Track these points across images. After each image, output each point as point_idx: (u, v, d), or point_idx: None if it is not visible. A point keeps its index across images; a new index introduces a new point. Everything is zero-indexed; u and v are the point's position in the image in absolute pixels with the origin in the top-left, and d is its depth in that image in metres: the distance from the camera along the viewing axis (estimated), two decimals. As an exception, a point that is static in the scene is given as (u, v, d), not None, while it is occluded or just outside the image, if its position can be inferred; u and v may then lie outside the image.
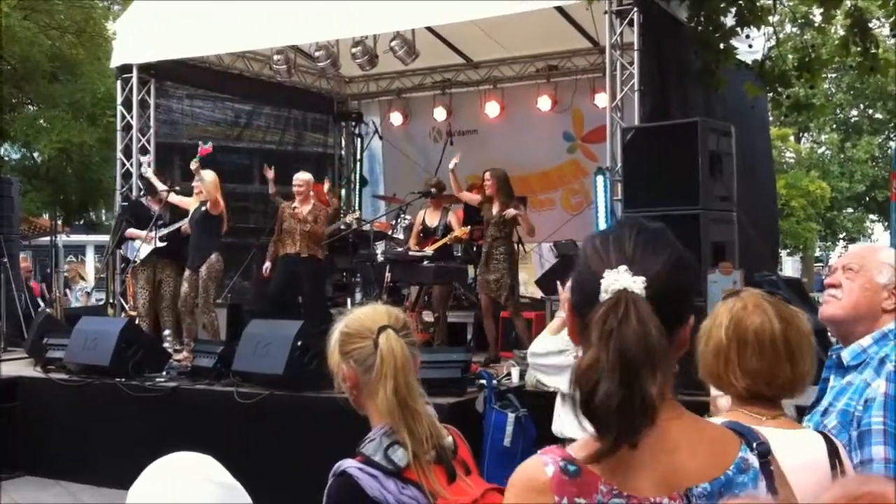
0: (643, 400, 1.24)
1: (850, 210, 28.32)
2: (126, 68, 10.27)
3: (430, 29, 10.25)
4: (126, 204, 9.78)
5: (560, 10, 9.49)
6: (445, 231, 8.80)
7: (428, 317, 8.67)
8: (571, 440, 4.28)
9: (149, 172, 9.28)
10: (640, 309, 1.27)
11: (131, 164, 10.17)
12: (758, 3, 7.82)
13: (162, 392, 6.93)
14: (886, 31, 10.22)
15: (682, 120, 7.21)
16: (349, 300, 9.79)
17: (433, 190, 9.05)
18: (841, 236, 29.17)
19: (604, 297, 1.29)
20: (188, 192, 8.84)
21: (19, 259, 10.82)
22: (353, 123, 13.11)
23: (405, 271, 8.77)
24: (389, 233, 10.29)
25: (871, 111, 27.50)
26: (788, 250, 26.40)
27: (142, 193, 9.54)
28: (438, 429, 2.04)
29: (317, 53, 10.20)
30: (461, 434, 2.12)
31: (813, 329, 2.03)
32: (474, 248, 9.55)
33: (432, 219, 8.99)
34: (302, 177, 8.73)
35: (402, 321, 2.08)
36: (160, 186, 8.97)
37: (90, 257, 32.30)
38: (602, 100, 9.10)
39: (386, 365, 1.98)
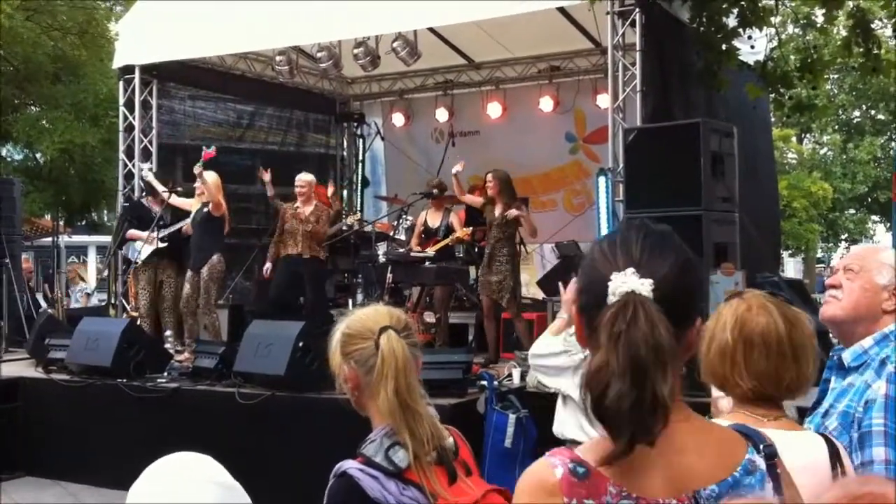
0: (655, 400, 1.25)
1: (852, 211, 28.30)
2: (128, 69, 10.29)
3: (432, 30, 10.26)
4: (128, 205, 9.79)
5: (562, 10, 9.48)
6: (447, 232, 8.81)
7: (429, 318, 8.67)
8: (573, 441, 4.29)
9: (149, 176, 9.29)
10: (649, 310, 1.28)
11: (133, 165, 10.18)
12: (760, 4, 7.81)
13: (163, 393, 6.93)
14: (889, 31, 10.22)
15: (684, 121, 7.20)
16: (351, 301, 9.80)
17: (435, 191, 9.06)
18: (843, 237, 29.14)
19: (611, 299, 1.30)
20: (190, 193, 8.85)
21: (21, 260, 10.83)
22: (356, 124, 13.11)
23: (407, 272, 8.77)
24: (391, 234, 10.29)
25: (873, 112, 27.48)
26: (790, 251, 26.38)
27: (143, 194, 9.55)
28: (439, 430, 2.04)
29: (319, 54, 10.21)
30: (462, 435, 2.12)
31: (814, 330, 2.03)
32: (476, 249, 9.56)
33: (434, 220, 9.00)
34: (304, 178, 8.74)
35: (403, 322, 2.08)
36: (161, 189, 8.97)
37: (92, 258, 32.31)
38: (604, 100, 9.10)
39: (387, 366, 1.98)
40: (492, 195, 8.02)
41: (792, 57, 8.70)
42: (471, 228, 8.86)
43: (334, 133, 13.27)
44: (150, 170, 9.63)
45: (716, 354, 1.98)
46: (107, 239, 15.08)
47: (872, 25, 8.38)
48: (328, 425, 5.62)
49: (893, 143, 27.03)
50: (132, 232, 9.10)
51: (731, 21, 7.67)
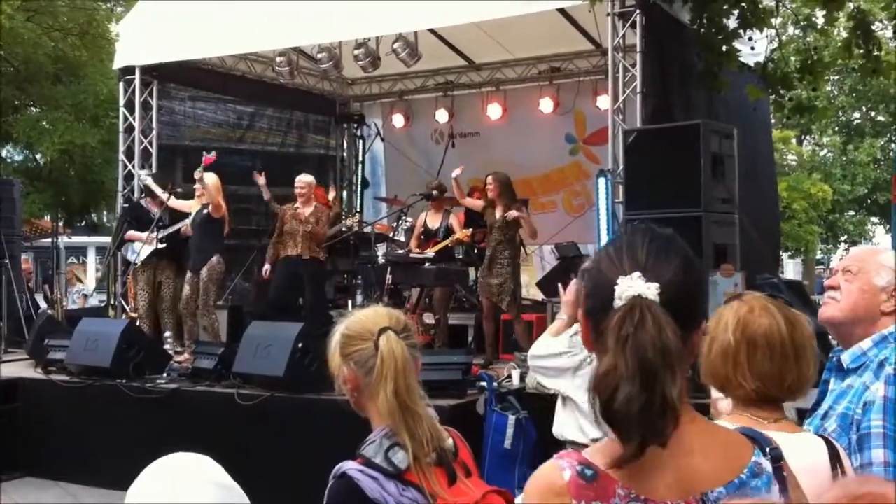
0: (665, 402, 1.27)
1: (851, 213, 28.30)
2: (129, 70, 10.30)
3: (432, 31, 10.26)
4: (127, 206, 9.79)
5: (562, 11, 9.49)
6: (447, 233, 8.81)
7: (429, 319, 8.67)
8: (572, 442, 4.27)
9: (148, 181, 9.28)
10: (656, 314, 1.29)
11: (133, 166, 10.19)
12: (760, 6, 7.81)
13: (162, 393, 6.93)
14: (889, 33, 10.23)
15: (684, 122, 7.21)
16: (350, 302, 9.79)
17: (434, 192, 9.06)
18: (842, 239, 29.13)
19: (618, 303, 1.32)
20: (190, 195, 8.85)
21: (21, 260, 10.83)
22: (356, 125, 13.12)
23: (406, 273, 8.77)
24: (391, 235, 10.29)
25: (873, 114, 27.48)
26: (790, 253, 26.37)
27: (143, 195, 9.55)
28: (439, 431, 2.04)
29: (319, 55, 10.21)
30: (461, 436, 2.12)
31: (814, 331, 2.04)
32: (475, 251, 9.56)
33: (433, 221, 9.00)
34: (304, 179, 8.74)
35: (402, 323, 2.08)
36: (160, 193, 8.97)
37: (91, 259, 32.36)
38: (604, 102, 9.10)
39: (386, 367, 1.98)
40: (492, 197, 8.02)
41: (792, 58, 8.70)
42: (470, 230, 8.86)
43: (334, 134, 13.28)
44: (149, 174, 9.62)
45: (718, 356, 1.98)
46: (106, 240, 15.08)
47: (873, 27, 8.39)
48: (327, 426, 5.62)
49: (893, 145, 27.03)
50: (131, 233, 9.10)
51: (732, 22, 7.67)
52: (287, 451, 6.22)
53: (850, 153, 26.62)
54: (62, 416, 7.33)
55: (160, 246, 8.74)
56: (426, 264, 8.55)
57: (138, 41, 10.12)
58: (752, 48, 8.07)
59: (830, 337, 2.55)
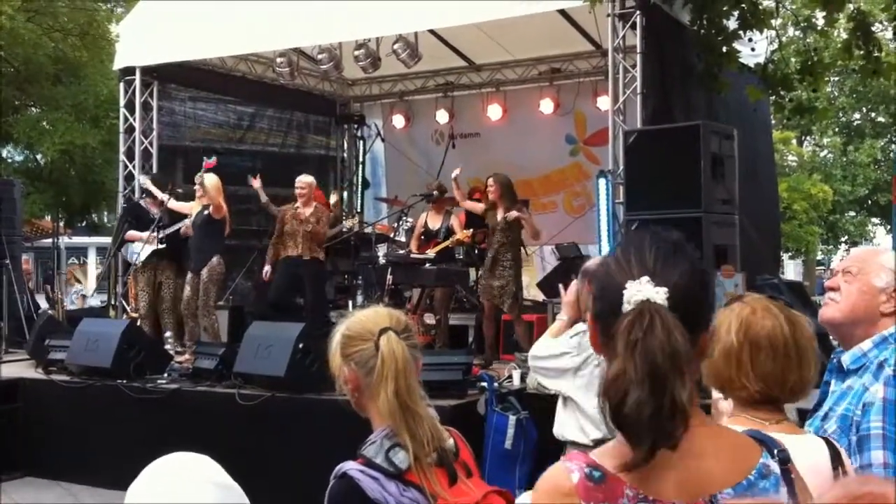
0: (675, 406, 1.28)
1: (852, 213, 28.29)
2: (129, 70, 10.30)
3: (432, 31, 10.27)
4: (127, 206, 9.80)
5: (563, 12, 9.49)
6: (447, 234, 8.81)
7: (429, 319, 8.67)
8: (573, 443, 4.27)
9: (148, 184, 9.28)
10: (665, 318, 1.30)
11: (134, 167, 10.20)
12: (760, 7, 7.82)
13: (163, 394, 6.93)
14: (889, 34, 10.24)
15: (684, 123, 7.21)
16: (351, 302, 9.79)
17: (435, 192, 9.06)
18: (843, 240, 29.14)
19: (626, 307, 1.33)
20: (190, 195, 8.86)
21: (21, 261, 10.83)
22: (356, 126, 13.12)
23: (407, 274, 8.77)
24: (391, 235, 10.29)
25: (873, 114, 27.47)
26: (790, 253, 26.37)
27: (143, 195, 9.55)
28: (440, 431, 2.04)
29: (319, 56, 10.22)
30: (462, 436, 2.12)
31: (814, 332, 2.04)
32: (476, 251, 9.56)
33: (434, 222, 9.01)
34: (304, 179, 8.73)
35: (403, 323, 2.08)
36: (160, 195, 8.97)
37: (92, 259, 32.36)
38: (604, 103, 9.10)
39: (387, 367, 1.98)
40: (493, 199, 8.01)
41: (792, 59, 8.71)
42: (471, 230, 8.86)
43: (334, 135, 13.28)
44: (148, 176, 9.62)
45: (720, 357, 1.99)
46: (107, 240, 15.09)
47: (873, 28, 8.39)
48: (328, 426, 5.62)
49: (894, 146, 27.02)
50: (131, 233, 9.11)
51: (732, 23, 7.67)
52: (288, 452, 6.22)
53: (851, 154, 26.62)
54: (63, 416, 7.33)
55: (160, 246, 8.75)
56: (427, 265, 8.55)
57: (138, 42, 10.13)
58: (753, 49, 8.07)
59: (831, 338, 2.55)
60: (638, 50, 7.52)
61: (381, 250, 9.86)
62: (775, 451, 1.43)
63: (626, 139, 7.22)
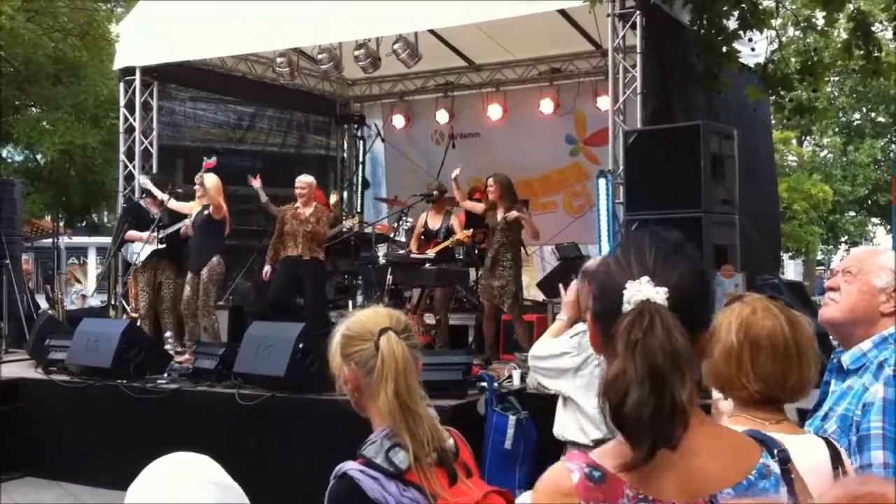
0: (674, 406, 1.28)
1: (852, 213, 28.30)
2: (129, 70, 10.30)
3: (432, 31, 10.26)
4: (127, 206, 9.80)
5: (563, 12, 9.49)
6: (447, 234, 8.81)
7: (429, 319, 8.67)
8: (574, 443, 4.26)
9: (148, 185, 9.28)
10: (665, 318, 1.30)
11: (134, 167, 10.19)
12: (760, 7, 7.82)
13: (163, 394, 6.93)
14: (889, 34, 10.25)
15: (684, 123, 7.21)
16: (351, 302, 9.79)
17: (435, 192, 9.06)
18: (843, 240, 29.14)
19: (626, 307, 1.33)
20: (190, 195, 8.85)
21: (21, 261, 10.83)
22: (356, 126, 13.12)
23: (407, 274, 8.77)
24: (391, 235, 10.29)
25: (873, 114, 27.48)
26: (790, 253, 26.37)
27: (143, 196, 9.56)
28: (440, 431, 2.04)
29: (320, 56, 10.21)
30: (462, 436, 2.12)
31: (814, 332, 2.04)
32: (476, 251, 9.56)
33: (434, 222, 9.01)
34: (304, 179, 8.73)
35: (403, 323, 2.08)
36: (160, 195, 8.98)
37: (92, 259, 32.36)
38: (604, 103, 9.11)
39: (387, 367, 1.98)
40: (493, 199, 8.02)
41: (792, 59, 8.71)
42: (471, 230, 8.86)
43: (335, 135, 13.28)
44: (147, 177, 9.61)
45: (720, 357, 1.99)
46: (107, 240, 15.09)
47: (873, 28, 8.39)
48: (328, 426, 5.62)
49: (894, 146, 27.03)
50: (131, 233, 9.11)
51: (732, 23, 7.67)
52: (288, 452, 6.22)
53: (851, 154, 26.62)
54: (63, 416, 7.33)
55: (160, 246, 8.75)
56: (427, 265, 8.55)
57: (138, 42, 10.13)
58: (753, 49, 8.07)
59: (831, 338, 2.55)
60: (638, 50, 7.51)
61: (381, 250, 9.86)
62: (775, 452, 1.43)
63: (626, 139, 7.22)
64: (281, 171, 10.73)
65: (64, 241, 22.82)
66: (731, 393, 2.03)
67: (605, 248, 7.52)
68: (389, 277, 8.67)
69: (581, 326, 3.99)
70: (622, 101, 7.64)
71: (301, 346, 6.36)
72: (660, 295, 1.32)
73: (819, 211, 24.80)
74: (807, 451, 1.89)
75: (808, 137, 28.82)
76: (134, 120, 10.24)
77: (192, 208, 8.68)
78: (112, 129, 13.63)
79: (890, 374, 2.09)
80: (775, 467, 1.41)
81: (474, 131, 12.14)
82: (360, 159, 13.11)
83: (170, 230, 8.80)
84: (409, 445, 1.95)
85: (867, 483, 0.97)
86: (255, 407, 6.40)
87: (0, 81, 14.11)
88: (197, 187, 8.46)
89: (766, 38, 8.50)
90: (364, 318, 2.08)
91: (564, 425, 4.09)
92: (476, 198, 9.34)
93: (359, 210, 12.79)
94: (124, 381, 7.07)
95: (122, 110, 10.44)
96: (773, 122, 12.43)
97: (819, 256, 29.98)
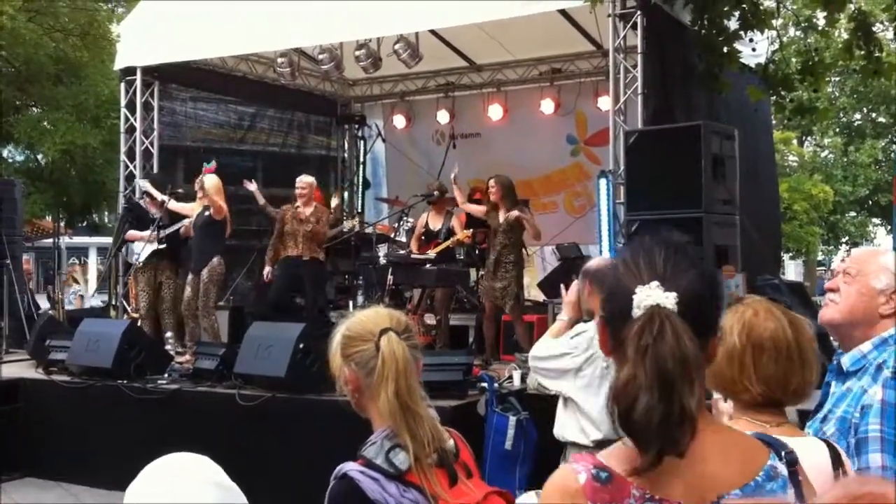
0: (683, 413, 1.29)
1: (852, 214, 28.29)
2: (130, 70, 10.30)
3: (433, 32, 10.26)
4: (128, 206, 9.79)
5: (563, 13, 9.49)
6: (448, 234, 8.81)
7: (430, 320, 8.67)
8: (574, 444, 4.26)
9: (147, 187, 9.27)
10: (675, 324, 1.31)
11: (135, 167, 10.20)
12: (761, 7, 7.82)
13: (163, 394, 6.93)
14: (890, 34, 10.25)
15: (685, 123, 7.21)
16: (351, 303, 9.78)
17: (435, 193, 9.06)
18: (843, 240, 29.13)
19: (636, 312, 1.34)
20: (191, 196, 8.85)
21: (22, 261, 10.84)
22: (357, 126, 13.12)
23: (407, 274, 8.77)
24: (392, 236, 10.29)
25: (874, 115, 27.48)
26: (791, 254, 26.37)
27: (143, 196, 9.55)
28: (440, 432, 2.04)
29: (320, 56, 10.21)
30: (462, 437, 2.12)
31: (815, 334, 2.04)
32: (476, 252, 9.56)
33: (435, 222, 9.01)
34: (305, 179, 8.73)
35: (403, 324, 2.08)
36: (159, 197, 8.98)
37: (93, 259, 32.39)
38: (605, 103, 9.11)
39: (387, 368, 1.98)
40: (494, 201, 8.01)
41: (793, 59, 8.72)
42: (471, 230, 8.86)
43: (335, 135, 13.28)
44: (146, 179, 9.61)
45: (723, 359, 1.98)
46: (108, 240, 15.10)
47: (874, 28, 8.39)
48: (328, 427, 5.62)
49: (894, 146, 27.02)
50: (131, 233, 9.12)
51: (733, 24, 7.67)
52: (288, 452, 6.22)
53: (851, 154, 26.62)
54: (63, 416, 7.33)
55: (160, 246, 8.75)
56: (427, 265, 8.55)
57: (139, 42, 10.13)
58: (753, 49, 8.07)
59: (832, 338, 2.55)
60: (639, 50, 7.51)
61: (382, 251, 9.86)
62: (783, 454, 1.43)
63: (626, 139, 7.21)
64: (282, 171, 10.74)
65: (64, 241, 22.82)
66: (732, 396, 2.03)
67: (606, 249, 7.51)
68: (390, 278, 8.67)
69: (581, 327, 3.99)
70: (623, 102, 7.64)
71: (301, 346, 6.36)
72: (669, 300, 1.33)
73: (820, 211, 24.80)
74: (807, 454, 1.89)
75: (808, 138, 28.82)
76: (135, 120, 10.24)
77: (193, 209, 8.68)
78: (113, 129, 13.62)
79: (888, 377, 2.08)
80: (783, 469, 1.41)
81: (475, 131, 12.14)
82: (361, 159, 13.11)
83: (170, 230, 8.80)
84: (409, 446, 1.95)
85: (867, 483, 0.97)
86: (255, 407, 6.40)
87: (1, 81, 14.12)
88: (197, 187, 8.47)
89: (767, 38, 8.51)
90: (364, 319, 2.08)
91: (565, 426, 4.09)
92: (477, 198, 9.34)
93: (359, 210, 12.78)
94: (125, 382, 7.07)
95: (123, 110, 10.44)
96: (773, 122, 12.43)
97: (819, 257, 29.97)
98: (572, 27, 10.08)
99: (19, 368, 8.09)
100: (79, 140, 14.76)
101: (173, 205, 8.89)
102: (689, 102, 7.89)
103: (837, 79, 24.75)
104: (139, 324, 8.48)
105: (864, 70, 8.06)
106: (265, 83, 11.57)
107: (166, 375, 7.28)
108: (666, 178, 6.72)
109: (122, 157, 10.42)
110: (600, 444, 3.53)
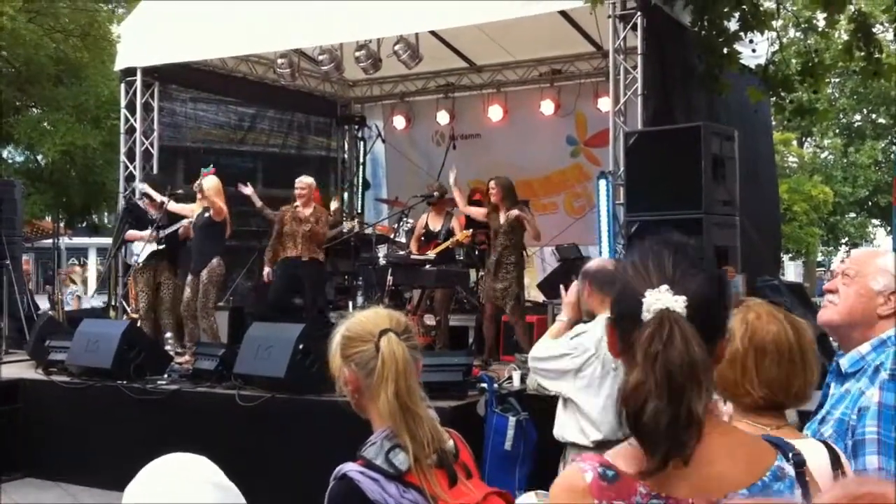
0: (690, 417, 1.30)
1: (852, 215, 28.30)
2: (130, 71, 10.31)
3: (433, 33, 10.26)
4: (127, 207, 9.79)
5: (563, 14, 9.50)
6: (448, 235, 8.81)
7: (429, 320, 8.67)
8: (574, 444, 4.26)
9: (146, 189, 9.27)
10: (684, 329, 1.32)
11: (134, 168, 10.20)
12: (761, 8, 7.82)
13: (163, 394, 6.93)
14: (890, 35, 10.25)
15: (685, 124, 7.22)
16: (351, 303, 9.78)
17: (435, 194, 9.06)
18: (843, 241, 29.14)
19: (646, 316, 1.34)
20: (191, 196, 8.85)
21: (22, 261, 10.84)
22: (357, 127, 13.13)
23: (407, 275, 8.77)
24: (392, 236, 10.29)
25: (874, 116, 27.48)
26: (791, 255, 26.37)
27: (142, 198, 9.54)
28: (440, 432, 2.04)
29: (320, 57, 10.22)
30: (462, 437, 2.12)
31: (814, 335, 2.04)
32: (476, 252, 9.56)
33: (435, 223, 9.01)
34: (304, 180, 8.73)
35: (403, 325, 2.08)
36: (159, 198, 8.97)
37: (92, 260, 32.39)
38: (605, 104, 9.11)
39: (387, 368, 1.98)
40: (495, 202, 8.01)
41: (793, 61, 8.73)
42: (471, 231, 8.86)
43: (335, 136, 13.29)
44: (145, 181, 9.60)
45: (725, 362, 1.97)
46: (107, 241, 15.08)
47: (874, 29, 8.39)
48: (328, 427, 5.62)
49: (894, 147, 27.02)
50: (131, 233, 9.11)
51: (733, 25, 7.68)
52: (287, 453, 6.22)
53: (851, 155, 26.62)
54: (63, 416, 7.33)
55: (159, 247, 8.75)
56: (427, 266, 8.55)
57: (139, 43, 10.13)
58: (753, 50, 8.07)
59: (831, 339, 2.55)
60: (639, 51, 7.52)
61: (382, 251, 9.87)
62: (790, 455, 1.44)
63: (626, 140, 7.22)
64: (281, 172, 10.74)
65: (64, 241, 22.83)
66: (733, 398, 2.02)
67: (606, 250, 7.51)
68: (390, 278, 8.67)
69: (581, 328, 3.99)
70: (623, 103, 7.64)
71: (301, 347, 6.35)
72: (679, 303, 1.33)
73: (819, 212, 24.81)
74: (807, 455, 1.89)
75: (808, 139, 28.83)
76: (135, 121, 10.24)
77: (192, 210, 8.67)
78: (113, 129, 13.62)
79: (885, 379, 2.08)
80: (790, 470, 1.42)
81: (475, 132, 12.14)
82: (361, 160, 13.11)
83: (168, 231, 8.80)
84: (409, 447, 1.95)
85: (866, 483, 0.98)
86: (255, 408, 6.40)
87: (1, 82, 14.12)
88: (197, 188, 8.46)
89: (767, 39, 8.51)
90: (364, 320, 2.08)
91: (564, 427, 4.09)
92: (476, 199, 9.33)
93: (359, 211, 12.79)
94: (124, 382, 7.07)
95: (123, 111, 10.44)
96: (773, 123, 12.44)
97: (819, 258, 29.98)
98: (572, 28, 10.09)
99: (19, 369, 8.09)
100: (79, 141, 14.76)
101: (173, 206, 8.89)
102: (689, 103, 7.90)
103: (837, 80, 24.75)
104: (139, 324, 8.48)
105: (863, 71, 8.07)
106: (265, 84, 11.57)
107: (166, 376, 7.28)
108: (666, 179, 6.73)
109: (122, 157, 10.42)
110: (600, 445, 3.54)
